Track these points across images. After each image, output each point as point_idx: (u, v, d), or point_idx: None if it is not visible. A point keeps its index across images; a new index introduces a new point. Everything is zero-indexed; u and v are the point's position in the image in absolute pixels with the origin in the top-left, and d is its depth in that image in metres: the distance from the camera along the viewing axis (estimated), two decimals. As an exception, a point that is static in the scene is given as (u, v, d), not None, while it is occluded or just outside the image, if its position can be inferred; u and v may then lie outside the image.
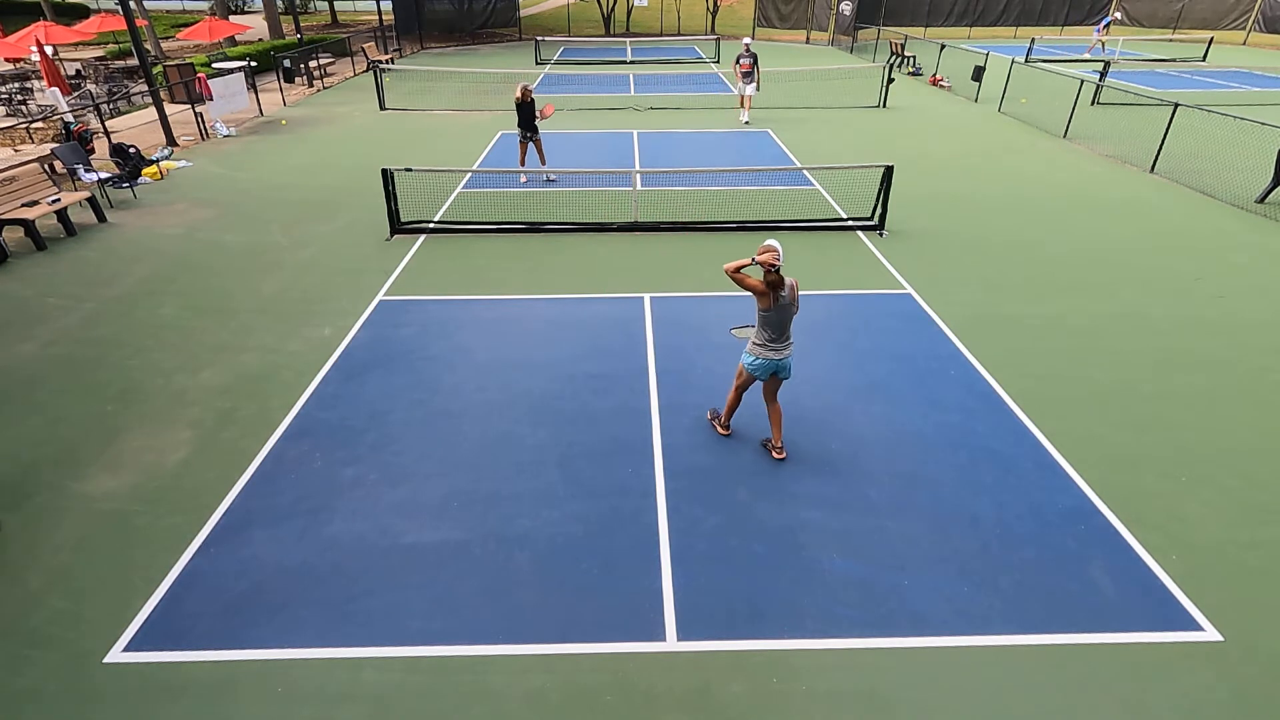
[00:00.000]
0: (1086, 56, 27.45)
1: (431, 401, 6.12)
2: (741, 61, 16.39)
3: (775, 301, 4.84)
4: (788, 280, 4.87)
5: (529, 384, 6.37)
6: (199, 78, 16.86)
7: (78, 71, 21.78)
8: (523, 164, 12.23)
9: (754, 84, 16.45)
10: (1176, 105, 12.92)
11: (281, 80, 20.81)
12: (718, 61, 27.29)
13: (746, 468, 5.32)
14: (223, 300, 8.00)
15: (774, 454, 5.36)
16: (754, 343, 5.08)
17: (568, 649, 3.92)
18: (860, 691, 3.70)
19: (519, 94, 11.65)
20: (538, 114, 11.85)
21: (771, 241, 4.82)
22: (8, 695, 3.68)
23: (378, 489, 5.11)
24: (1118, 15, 29.24)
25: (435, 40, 32.31)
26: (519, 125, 11.97)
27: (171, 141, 14.74)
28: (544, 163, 12.24)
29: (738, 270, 4.88)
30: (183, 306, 7.87)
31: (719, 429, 5.60)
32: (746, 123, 16.77)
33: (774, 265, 4.75)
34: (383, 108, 18.47)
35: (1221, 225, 10.29)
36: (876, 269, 8.79)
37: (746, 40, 17.10)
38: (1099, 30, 28.33)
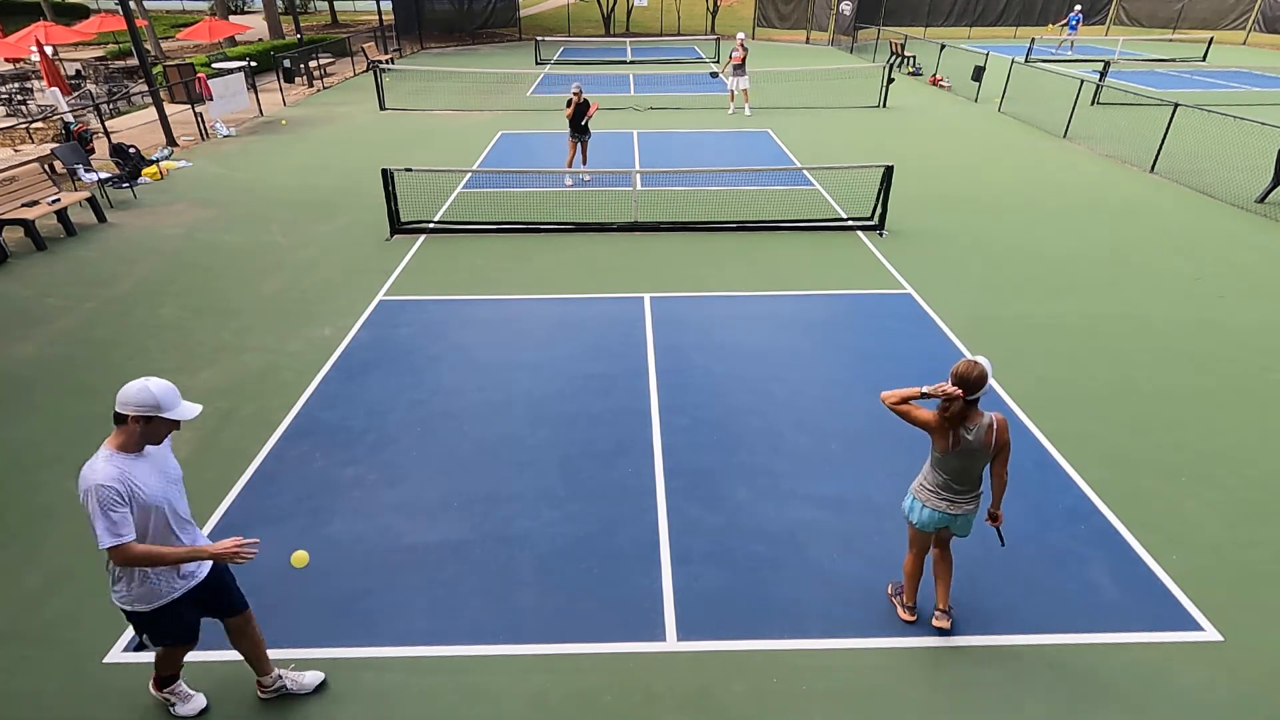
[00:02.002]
0: (1069, 55, 27.42)
1: (431, 402, 6.12)
2: (734, 54, 16.59)
3: (955, 445, 3.49)
4: (986, 416, 3.50)
5: (529, 384, 6.37)
6: (199, 78, 16.87)
7: (78, 71, 21.77)
8: (570, 165, 12.22)
9: (745, 76, 16.72)
10: (1176, 105, 12.93)
11: (281, 80, 20.81)
12: (717, 61, 27.31)
13: (746, 467, 5.31)
14: (222, 300, 8.00)
15: (934, 619, 3.96)
16: (922, 484, 3.75)
17: (568, 649, 3.92)
18: (860, 691, 3.70)
19: (573, 96, 11.62)
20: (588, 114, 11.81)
21: (979, 359, 3.43)
22: (8, 695, 3.67)
23: (378, 489, 5.11)
24: (1078, 7, 29.17)
25: (435, 40, 32.30)
26: (571, 127, 11.95)
27: (171, 142, 14.74)
28: (585, 163, 12.26)
29: (902, 401, 3.56)
30: (182, 307, 7.87)
31: (901, 612, 4.06)
32: (749, 114, 16.97)
33: (955, 398, 3.40)
34: (383, 108, 18.47)
35: (1221, 225, 10.29)
36: (876, 269, 8.80)
37: (740, 35, 17.19)
38: (1069, 29, 28.26)
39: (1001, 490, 3.67)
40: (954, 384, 3.38)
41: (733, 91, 17.36)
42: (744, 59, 16.69)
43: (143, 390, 2.80)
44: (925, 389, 3.48)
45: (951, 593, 4.14)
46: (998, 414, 3.52)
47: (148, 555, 2.84)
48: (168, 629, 3.17)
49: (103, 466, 2.82)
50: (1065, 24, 28.43)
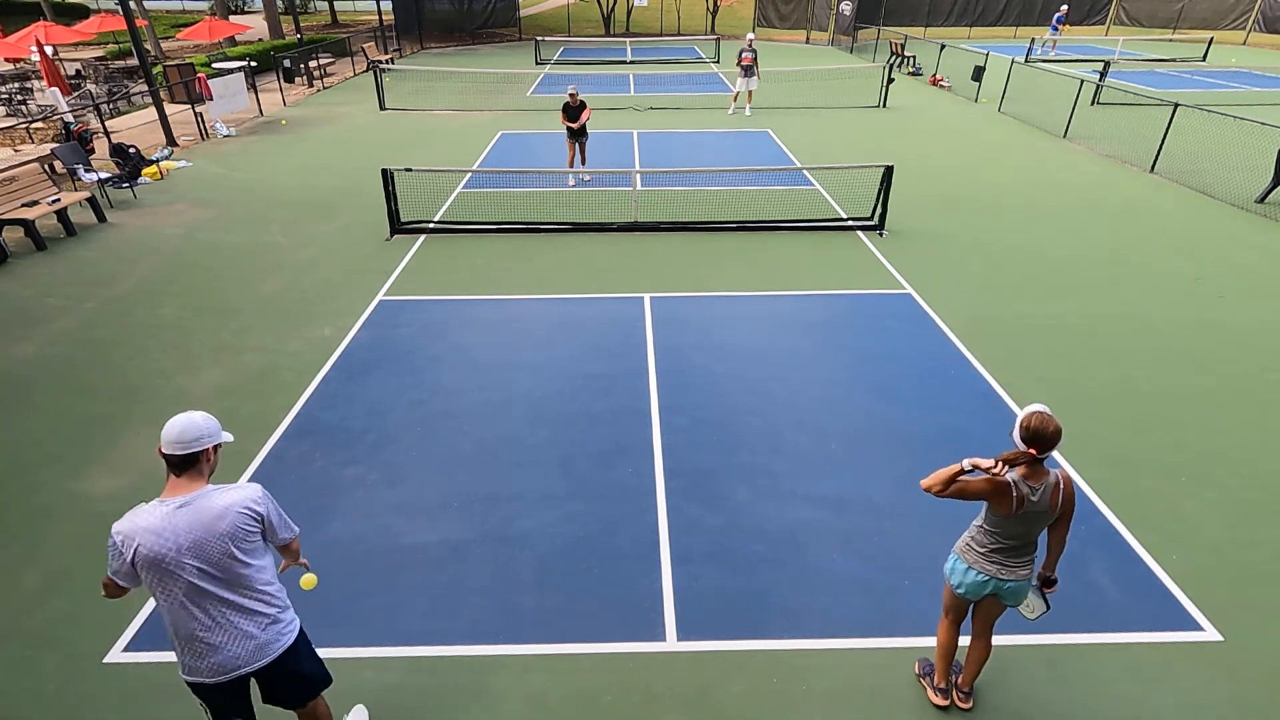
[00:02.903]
0: (1053, 55, 27.39)
1: (431, 401, 6.12)
2: (743, 55, 16.60)
3: (1019, 508, 3.02)
4: (1051, 475, 3.09)
5: (529, 384, 6.37)
6: (199, 78, 16.86)
7: (78, 71, 21.77)
8: (571, 165, 12.22)
9: (755, 78, 16.73)
10: (1176, 105, 12.92)
11: (281, 80, 20.81)
12: (718, 61, 27.30)
13: (746, 467, 5.31)
14: (222, 300, 8.00)
15: (956, 698, 3.59)
16: (970, 544, 3.26)
17: (568, 649, 3.92)
18: (860, 691, 3.70)
19: (569, 98, 11.64)
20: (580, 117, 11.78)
21: (1043, 409, 3.03)
22: (8, 695, 3.67)
23: (378, 489, 5.11)
24: (1065, 8, 29.19)
25: (435, 40, 32.30)
26: (566, 129, 11.95)
27: (171, 141, 14.74)
28: (584, 164, 12.27)
29: (950, 483, 3.01)
30: (182, 307, 7.87)
31: (932, 695, 3.60)
32: (749, 114, 16.98)
33: (1019, 461, 3.01)
34: (383, 108, 18.47)
35: (1221, 225, 10.29)
36: (876, 269, 8.80)
37: (750, 36, 17.21)
38: (1053, 29, 28.20)
39: (1059, 553, 3.26)
40: (1026, 440, 2.95)
41: (737, 93, 17.35)
42: (753, 61, 16.70)
43: (203, 422, 2.64)
44: (966, 464, 2.97)
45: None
46: (1062, 471, 3.13)
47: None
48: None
49: (239, 484, 2.70)
50: (1058, 22, 28.39)
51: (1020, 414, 3.07)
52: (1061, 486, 3.08)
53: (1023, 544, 3.15)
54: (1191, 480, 5.21)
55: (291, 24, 30.77)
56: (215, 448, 2.68)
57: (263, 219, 10.60)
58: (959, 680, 3.61)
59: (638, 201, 10.37)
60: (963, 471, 2.99)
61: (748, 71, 16.78)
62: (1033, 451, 2.96)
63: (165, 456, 2.56)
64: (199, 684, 2.67)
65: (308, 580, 3.02)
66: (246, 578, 2.60)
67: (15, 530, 4.76)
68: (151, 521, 2.47)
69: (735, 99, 17.49)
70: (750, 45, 16.73)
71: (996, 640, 3.73)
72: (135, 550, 2.45)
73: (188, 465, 2.56)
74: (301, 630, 2.86)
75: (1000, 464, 2.97)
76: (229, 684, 2.67)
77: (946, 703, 3.57)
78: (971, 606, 3.43)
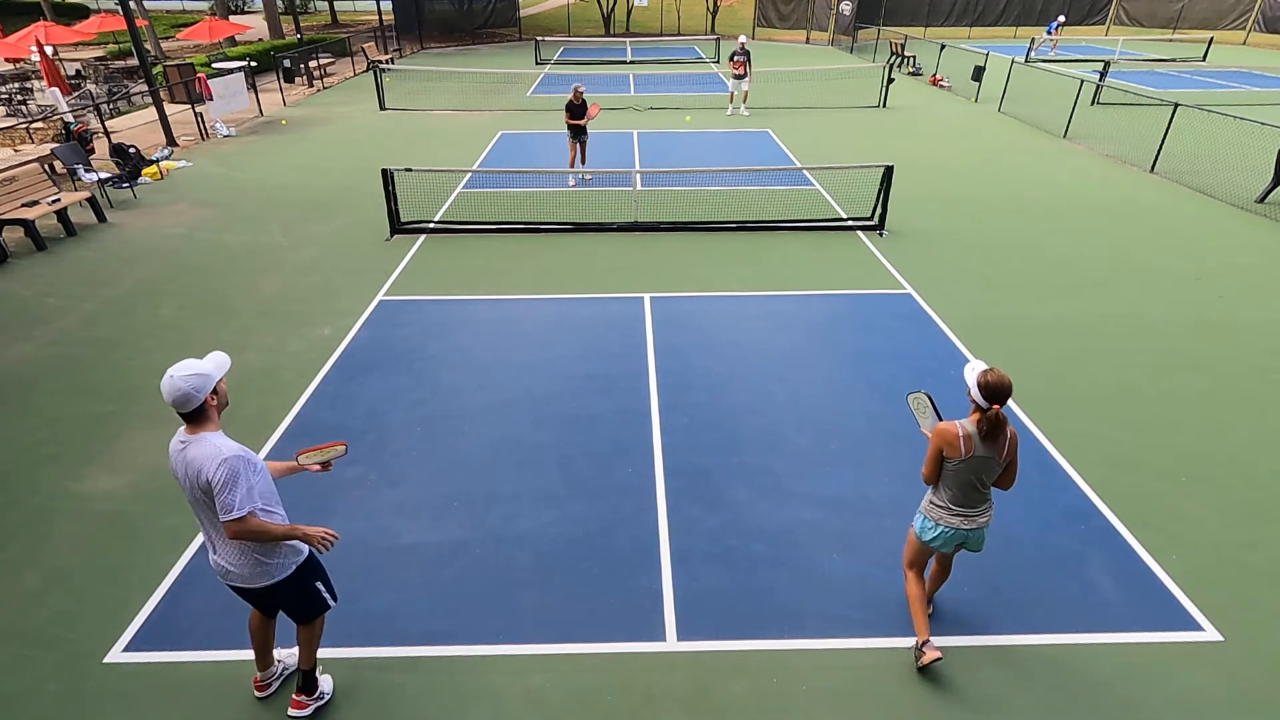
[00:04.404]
0: (1052, 55, 27.41)
1: (431, 402, 6.12)
2: (735, 59, 16.61)
3: (968, 450, 3.38)
4: (1008, 428, 3.40)
5: (529, 384, 6.37)
6: (199, 78, 16.87)
7: (78, 71, 21.78)
8: (572, 165, 12.21)
9: (748, 79, 16.76)
10: (1176, 105, 12.92)
11: (281, 80, 20.82)
12: (717, 61, 27.32)
13: (746, 468, 5.31)
14: (222, 300, 8.00)
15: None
16: (931, 501, 3.64)
17: (568, 649, 3.92)
18: (860, 691, 3.70)
19: (572, 96, 11.64)
20: (585, 115, 11.78)
21: (984, 365, 3.39)
22: (8, 695, 3.67)
23: (377, 489, 5.11)
24: (1062, 19, 29.29)
25: (435, 40, 32.31)
26: (568, 127, 11.93)
27: (171, 141, 14.75)
28: (584, 163, 12.26)
29: (933, 463, 3.51)
30: (182, 307, 7.87)
31: (927, 655, 3.68)
32: (746, 114, 16.98)
33: (991, 416, 3.32)
34: (383, 108, 18.47)
35: (1221, 225, 10.29)
36: (876, 269, 8.79)
37: (743, 39, 17.17)
38: (1050, 31, 28.22)
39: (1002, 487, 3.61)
40: (986, 396, 3.28)
41: (733, 93, 17.39)
42: (745, 64, 16.69)
43: (188, 386, 2.83)
44: (926, 431, 3.62)
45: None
46: (1011, 427, 3.43)
47: (262, 530, 2.95)
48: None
49: (228, 442, 2.92)
50: (1055, 26, 28.48)
51: (971, 374, 3.39)
52: (1009, 435, 3.41)
53: (978, 493, 3.51)
54: (1191, 480, 5.21)
55: (291, 24, 30.78)
56: (214, 391, 2.93)
57: (263, 219, 10.60)
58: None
59: (638, 201, 10.37)
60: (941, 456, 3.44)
61: (739, 76, 16.83)
62: (996, 407, 3.29)
63: None
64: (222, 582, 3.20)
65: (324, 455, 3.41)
66: (215, 520, 2.94)
67: (15, 530, 4.76)
68: (171, 448, 2.97)
69: (731, 99, 17.53)
70: (743, 48, 16.68)
71: (998, 639, 3.86)
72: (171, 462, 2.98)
73: (191, 417, 2.90)
74: (291, 576, 3.19)
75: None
76: (232, 587, 3.19)
77: (940, 654, 3.66)
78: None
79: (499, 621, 4.08)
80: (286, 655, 3.74)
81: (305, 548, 3.24)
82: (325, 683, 3.66)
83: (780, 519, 4.83)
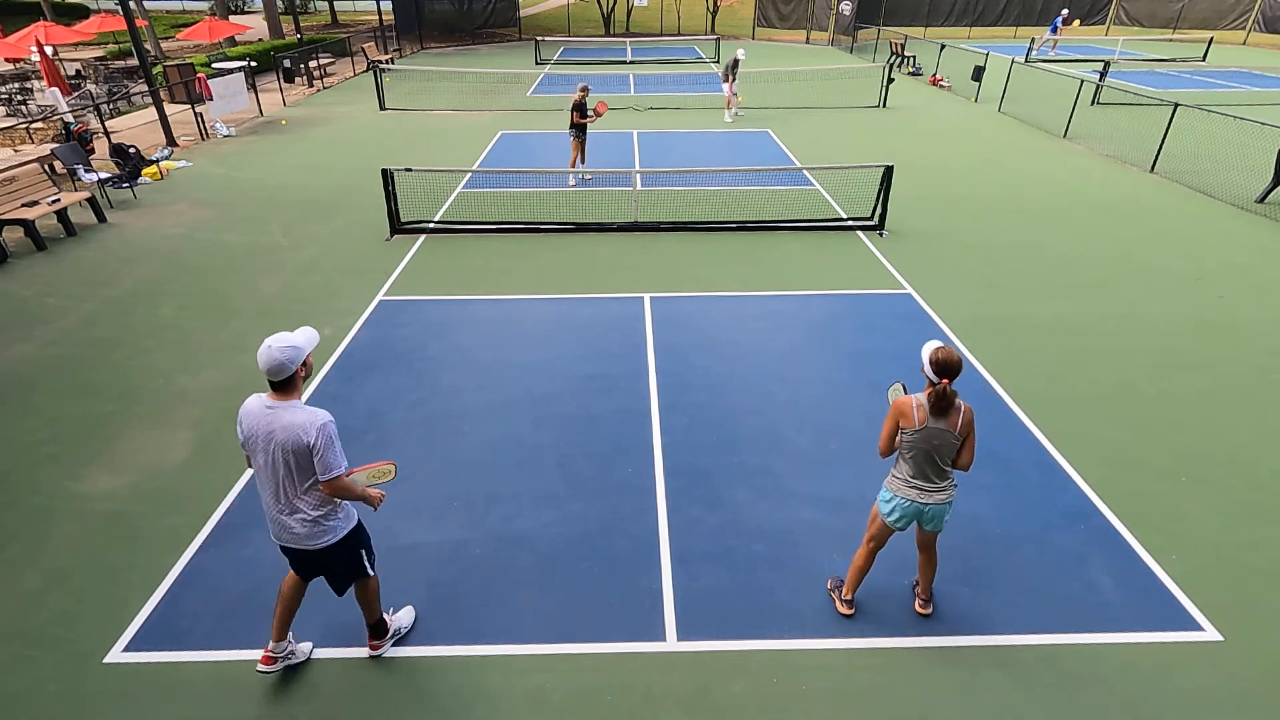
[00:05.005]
0: (1052, 55, 27.36)
1: (431, 402, 6.12)
2: (730, 72, 16.41)
3: (921, 420, 3.55)
4: (958, 402, 3.55)
5: (529, 384, 6.37)
6: (199, 78, 16.87)
7: (78, 71, 21.78)
8: (574, 165, 12.20)
9: (735, 82, 16.60)
10: (1176, 105, 12.93)
11: (281, 80, 20.82)
12: (717, 61, 27.31)
13: (746, 468, 5.31)
14: (223, 300, 8.00)
15: (917, 605, 4.12)
16: (892, 474, 3.79)
17: (568, 649, 3.92)
18: (860, 691, 3.70)
19: (578, 95, 11.62)
20: (590, 112, 11.73)
21: (936, 343, 3.59)
22: (8, 695, 3.67)
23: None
24: (1066, 12, 29.25)
25: (435, 40, 32.32)
26: (572, 126, 11.88)
27: (171, 142, 14.75)
28: (584, 162, 12.26)
29: (890, 438, 3.69)
30: (183, 307, 7.88)
31: (840, 605, 4.10)
32: (739, 114, 16.83)
33: (940, 390, 3.49)
34: (383, 108, 18.48)
35: (1221, 225, 10.29)
36: (876, 269, 8.80)
37: (741, 53, 16.81)
38: (1052, 30, 28.16)
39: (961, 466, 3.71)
40: (938, 372, 3.49)
41: (729, 98, 17.07)
42: (730, 76, 16.53)
43: (284, 356, 3.15)
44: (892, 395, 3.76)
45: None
46: (964, 403, 3.59)
47: (349, 488, 3.28)
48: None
49: (318, 409, 3.20)
50: (1057, 25, 28.37)
51: (925, 352, 3.57)
52: (962, 411, 3.55)
53: (936, 467, 3.63)
54: (1191, 480, 5.21)
55: (291, 24, 30.78)
56: (303, 364, 3.25)
57: (263, 219, 10.60)
58: (918, 589, 4.14)
59: (638, 201, 10.37)
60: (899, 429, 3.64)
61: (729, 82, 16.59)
62: (945, 381, 3.47)
63: None
64: (276, 541, 3.45)
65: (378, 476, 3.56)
66: (295, 482, 3.22)
67: (15, 530, 4.76)
68: (253, 408, 3.22)
69: (728, 104, 17.22)
70: (735, 61, 16.40)
71: (998, 640, 3.87)
72: (241, 425, 3.24)
73: (279, 385, 3.19)
74: (346, 538, 3.45)
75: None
76: (286, 549, 3.46)
77: (852, 612, 4.07)
78: (916, 534, 3.97)
79: (499, 621, 4.08)
80: (300, 646, 3.83)
81: (356, 515, 3.54)
82: (405, 616, 4.02)
83: (780, 519, 4.83)
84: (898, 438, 3.66)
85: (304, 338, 3.25)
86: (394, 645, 3.91)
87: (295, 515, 3.28)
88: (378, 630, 3.84)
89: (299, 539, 3.34)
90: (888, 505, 3.78)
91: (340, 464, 3.17)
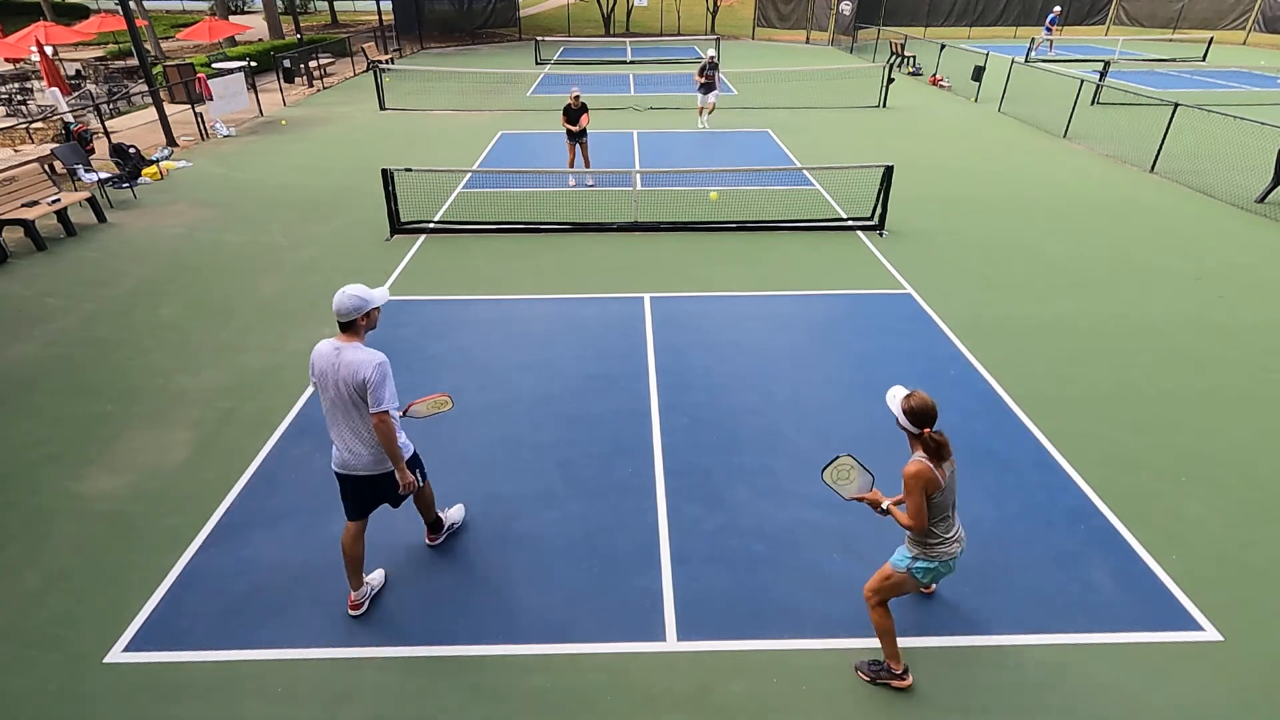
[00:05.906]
0: (1051, 55, 27.31)
1: (431, 401, 6.11)
2: (706, 73, 15.93)
3: (944, 477, 3.25)
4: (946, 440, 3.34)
5: (529, 384, 6.37)
6: (199, 78, 16.88)
7: (78, 71, 21.78)
8: (571, 166, 12.20)
9: (714, 93, 16.03)
10: (1176, 105, 12.93)
11: (281, 80, 20.82)
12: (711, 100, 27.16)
13: (746, 468, 5.31)
14: (223, 300, 8.00)
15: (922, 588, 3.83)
16: (927, 543, 3.40)
17: (568, 649, 3.92)
18: (860, 691, 3.70)
19: (571, 100, 11.61)
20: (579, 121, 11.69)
21: (904, 391, 3.35)
22: (8, 695, 3.67)
23: (378, 489, 5.10)
24: (1058, 8, 29.20)
25: (435, 40, 32.32)
26: (566, 131, 11.90)
27: (171, 142, 14.75)
28: (588, 165, 12.23)
29: (916, 513, 3.28)
30: (183, 307, 7.87)
31: (900, 683, 3.70)
32: (704, 126, 16.40)
33: (935, 440, 3.24)
34: (383, 108, 18.47)
35: (1221, 225, 10.29)
36: (876, 269, 8.79)
37: (711, 53, 16.49)
38: (1046, 30, 28.10)
39: None
40: (915, 421, 3.22)
41: (701, 108, 16.77)
42: (713, 79, 16.08)
43: (350, 304, 3.57)
44: (885, 505, 3.43)
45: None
46: (939, 433, 3.34)
47: (393, 434, 3.68)
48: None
49: (372, 350, 3.61)
50: (1052, 22, 28.30)
51: (894, 403, 3.31)
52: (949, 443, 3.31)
53: (954, 510, 3.40)
54: (1191, 480, 5.21)
55: (291, 24, 30.77)
56: (367, 314, 3.65)
57: (263, 219, 10.60)
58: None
59: (638, 201, 10.37)
60: (895, 510, 3.40)
61: (707, 89, 15.87)
62: (927, 430, 3.21)
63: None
64: (335, 472, 3.89)
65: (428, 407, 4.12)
66: (359, 413, 3.67)
67: (15, 530, 4.76)
68: (323, 350, 3.67)
69: (700, 113, 16.54)
70: (712, 62, 16.03)
71: (998, 639, 3.89)
72: (314, 366, 3.68)
73: (346, 327, 3.64)
74: (408, 461, 3.94)
75: (887, 502, 3.46)
76: (346, 477, 3.87)
77: (910, 681, 3.70)
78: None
79: (499, 621, 4.08)
80: (372, 578, 4.23)
81: (412, 446, 4.05)
82: (456, 512, 4.68)
83: (780, 519, 4.83)
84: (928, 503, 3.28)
85: (373, 293, 3.67)
86: (447, 537, 4.57)
87: (363, 443, 3.72)
88: (435, 526, 4.48)
89: (368, 465, 3.77)
90: (928, 572, 3.41)
91: (388, 400, 3.55)
